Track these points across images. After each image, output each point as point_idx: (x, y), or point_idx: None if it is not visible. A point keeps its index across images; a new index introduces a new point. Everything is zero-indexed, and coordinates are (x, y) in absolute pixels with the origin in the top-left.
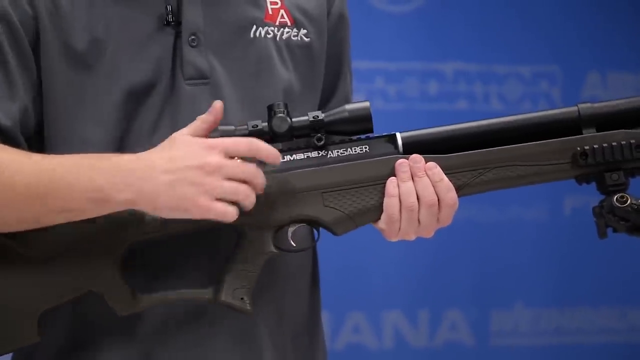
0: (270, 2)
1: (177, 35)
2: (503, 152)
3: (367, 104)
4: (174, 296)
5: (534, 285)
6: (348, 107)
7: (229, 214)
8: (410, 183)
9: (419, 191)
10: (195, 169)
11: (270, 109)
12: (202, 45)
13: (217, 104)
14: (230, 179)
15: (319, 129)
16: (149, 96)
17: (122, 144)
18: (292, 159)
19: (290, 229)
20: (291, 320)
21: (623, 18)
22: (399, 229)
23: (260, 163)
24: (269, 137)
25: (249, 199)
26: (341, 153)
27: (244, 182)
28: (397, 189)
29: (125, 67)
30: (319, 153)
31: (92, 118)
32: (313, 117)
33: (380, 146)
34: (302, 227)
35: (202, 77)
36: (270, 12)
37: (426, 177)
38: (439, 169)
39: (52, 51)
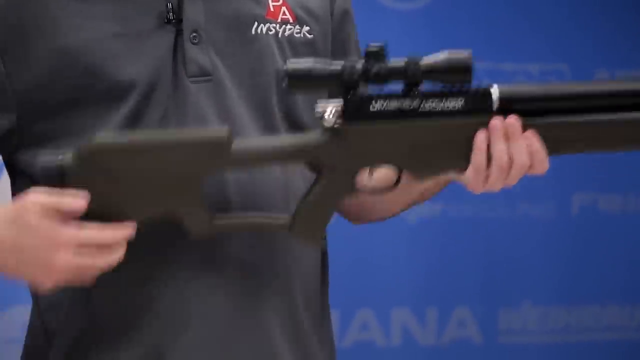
0: None
1: (178, 33)
2: (603, 120)
3: (469, 52)
4: (251, 221)
5: (542, 283)
6: (448, 54)
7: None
8: (503, 144)
9: (512, 154)
10: (41, 266)
11: (368, 49)
12: (203, 43)
13: (80, 203)
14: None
15: (414, 74)
16: (153, 95)
17: None
18: (384, 105)
19: (373, 172)
20: (303, 319)
21: (631, 17)
22: (485, 183)
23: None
24: (364, 79)
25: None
26: (435, 105)
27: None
28: (485, 143)
29: (126, 66)
30: (412, 102)
31: (94, 118)
32: (412, 63)
33: (476, 100)
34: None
35: (204, 74)
36: (271, 9)
37: (521, 142)
38: (537, 138)
39: (44, 55)
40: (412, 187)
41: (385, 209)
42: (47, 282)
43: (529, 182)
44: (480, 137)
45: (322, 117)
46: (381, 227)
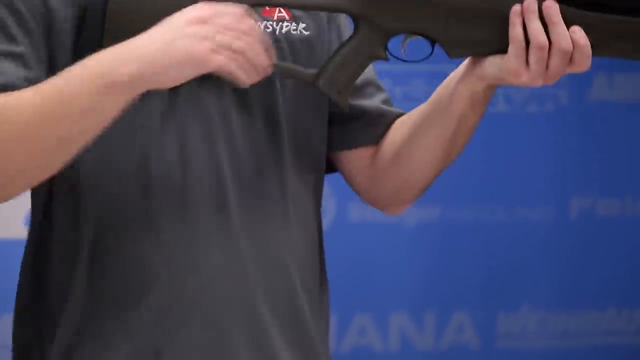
0: None
1: None
2: None
3: None
4: (277, 66)
5: (541, 288)
6: None
7: (229, 67)
8: (538, 24)
9: (551, 37)
10: (189, 22)
11: None
12: None
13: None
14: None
15: None
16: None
17: (134, 131)
18: None
19: (406, 39)
20: (301, 321)
21: None
22: (527, 70)
23: None
24: None
25: (253, 51)
26: None
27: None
28: (519, 17)
29: None
30: None
31: None
32: None
33: None
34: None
35: (205, 75)
36: (267, 8)
37: (561, 27)
38: (580, 29)
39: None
40: (447, 112)
41: (421, 161)
42: (202, 48)
43: (527, 186)
44: (515, 10)
45: None
46: (380, 231)
